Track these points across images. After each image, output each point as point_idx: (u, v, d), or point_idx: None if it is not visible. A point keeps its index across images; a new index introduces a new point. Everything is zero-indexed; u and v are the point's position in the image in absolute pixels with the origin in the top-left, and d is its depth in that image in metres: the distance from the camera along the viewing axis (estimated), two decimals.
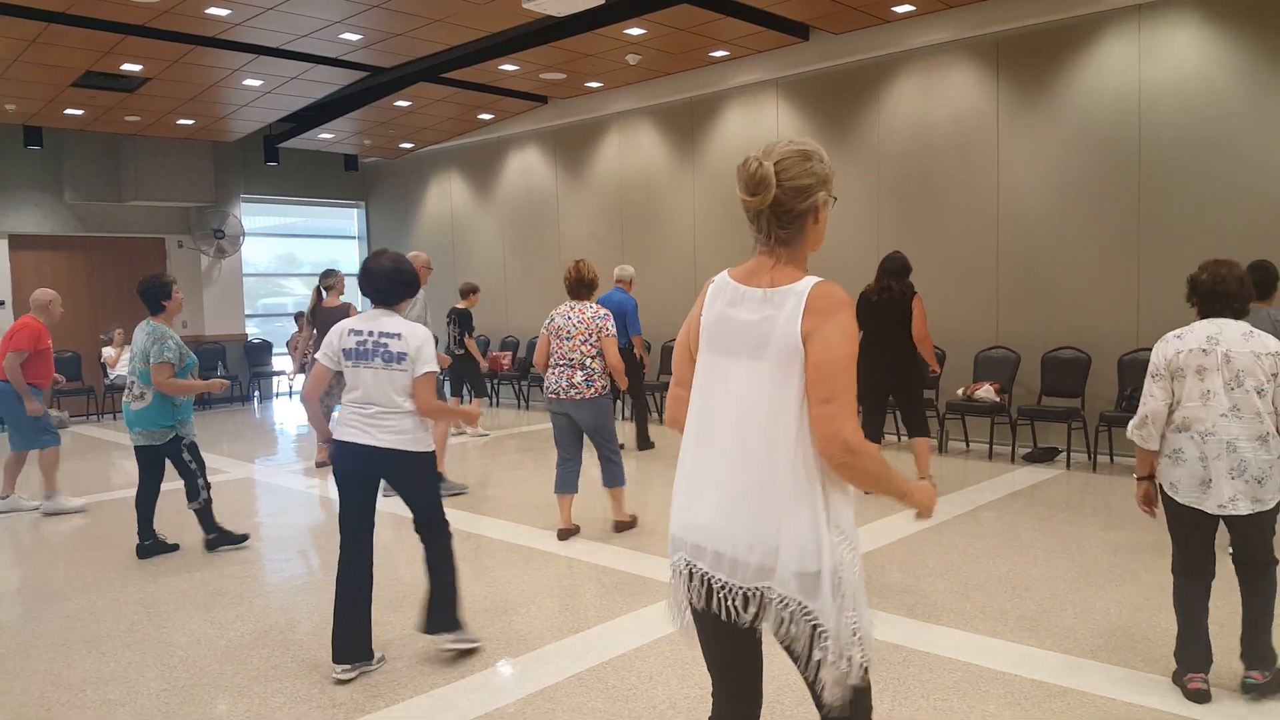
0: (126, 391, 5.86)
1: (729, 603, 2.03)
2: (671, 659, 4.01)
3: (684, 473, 2.14)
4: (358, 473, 3.94)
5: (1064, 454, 8.14)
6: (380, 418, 3.86)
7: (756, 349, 2.04)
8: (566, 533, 5.99)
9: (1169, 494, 3.51)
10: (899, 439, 8.97)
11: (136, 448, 5.87)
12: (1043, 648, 4.05)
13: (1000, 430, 8.52)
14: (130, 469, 8.74)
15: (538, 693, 3.72)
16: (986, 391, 8.26)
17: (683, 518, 2.12)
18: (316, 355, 3.98)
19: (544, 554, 5.70)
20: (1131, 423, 3.59)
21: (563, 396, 5.82)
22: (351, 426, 3.89)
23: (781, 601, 1.98)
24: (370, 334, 3.91)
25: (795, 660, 2.05)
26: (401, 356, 3.87)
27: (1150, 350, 3.61)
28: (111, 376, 12.63)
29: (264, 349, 14.87)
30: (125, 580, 5.37)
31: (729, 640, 2.13)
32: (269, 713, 3.60)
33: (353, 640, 3.93)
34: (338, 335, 3.96)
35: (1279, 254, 7.18)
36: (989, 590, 4.84)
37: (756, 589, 2.00)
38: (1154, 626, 4.21)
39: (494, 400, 13.32)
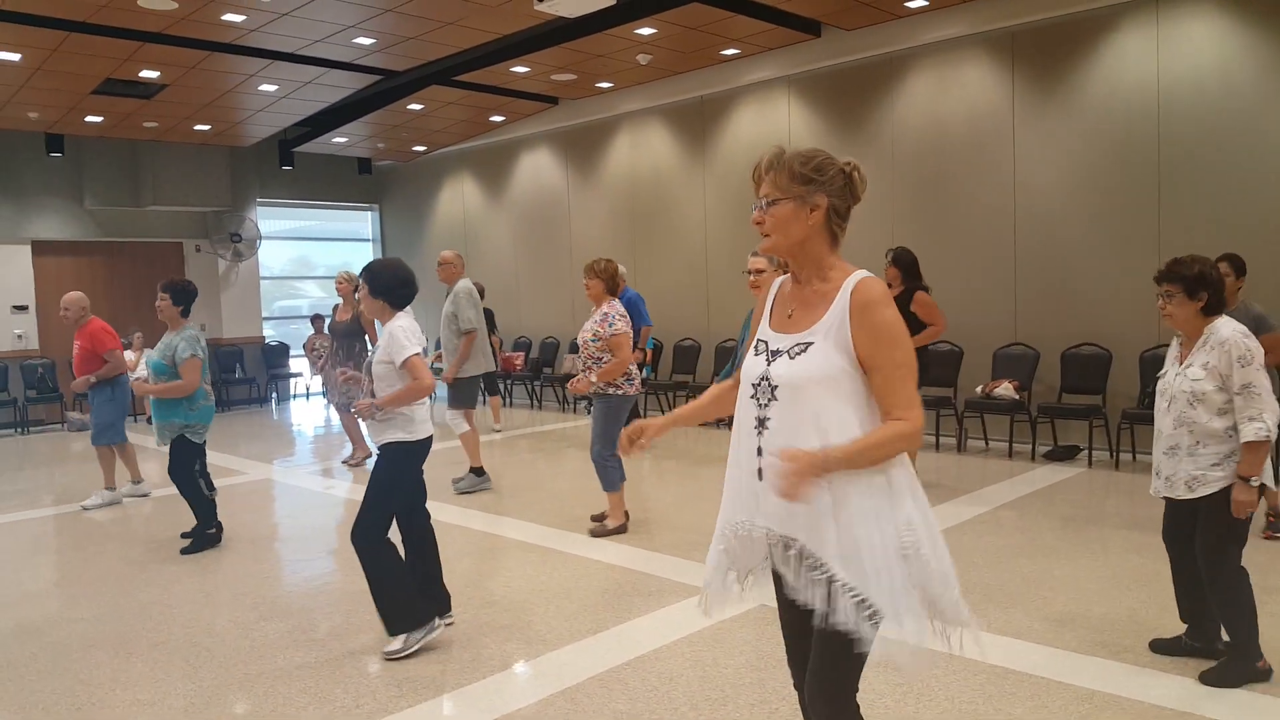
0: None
1: None
2: (692, 659, 4.00)
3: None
4: None
5: (1085, 452, 8.08)
6: None
7: None
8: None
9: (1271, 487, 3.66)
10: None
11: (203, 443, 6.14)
12: (1069, 649, 4.01)
13: (1020, 428, 8.46)
14: (152, 470, 8.80)
15: (559, 693, 3.72)
16: (1005, 389, 8.21)
17: None
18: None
19: (560, 554, 5.69)
20: (1273, 422, 3.44)
21: (633, 392, 6.08)
22: (426, 423, 4.33)
23: None
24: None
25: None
26: None
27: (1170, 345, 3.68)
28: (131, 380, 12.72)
29: (281, 351, 14.96)
30: (149, 581, 5.40)
31: None
32: (294, 712, 3.61)
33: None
34: (416, 339, 4.24)
35: None
36: (1012, 591, 4.81)
37: None
38: (1181, 627, 4.17)
39: (508, 400, 13.35)
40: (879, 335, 2.08)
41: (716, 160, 11.05)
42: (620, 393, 5.95)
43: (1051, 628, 4.27)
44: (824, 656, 2.16)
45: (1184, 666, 3.75)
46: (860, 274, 2.16)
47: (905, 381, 2.08)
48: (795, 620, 2.27)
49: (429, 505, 4.54)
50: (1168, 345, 3.83)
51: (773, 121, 10.44)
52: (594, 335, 5.84)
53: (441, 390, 7.27)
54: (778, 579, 2.28)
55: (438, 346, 8.07)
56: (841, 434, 2.08)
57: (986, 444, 8.85)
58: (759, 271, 4.66)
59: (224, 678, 3.99)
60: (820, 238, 2.20)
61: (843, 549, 2.09)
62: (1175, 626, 4.07)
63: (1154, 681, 3.66)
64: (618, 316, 5.88)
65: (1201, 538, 3.62)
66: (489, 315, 11.04)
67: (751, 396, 2.21)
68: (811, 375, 2.10)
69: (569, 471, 8.31)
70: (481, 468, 7.57)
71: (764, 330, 2.28)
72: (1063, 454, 8.14)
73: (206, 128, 12.38)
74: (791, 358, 2.15)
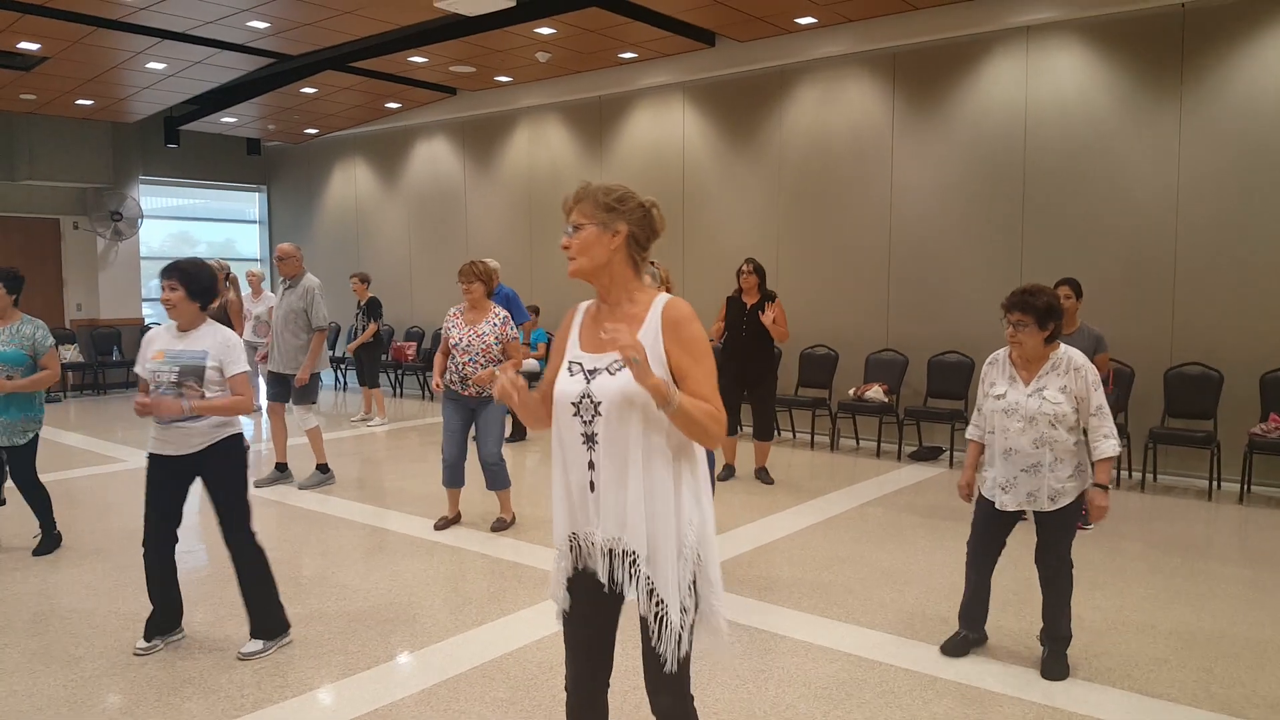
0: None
1: None
2: None
3: None
4: None
5: (948, 453, 8.62)
6: None
7: None
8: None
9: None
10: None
11: None
12: (917, 639, 4.36)
13: (888, 429, 8.95)
14: None
15: (442, 683, 3.88)
16: (876, 392, 8.67)
17: None
18: None
19: (446, 548, 5.84)
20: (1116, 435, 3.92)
21: None
22: None
23: None
24: None
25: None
26: None
27: None
28: None
29: (148, 332, 14.52)
30: (25, 571, 5.35)
31: None
32: (179, 702, 3.69)
33: None
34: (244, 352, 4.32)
35: (1148, 262, 7.80)
36: (872, 583, 5.17)
37: None
38: (1021, 619, 4.58)
39: (399, 391, 13.32)
40: (691, 349, 2.32)
41: (614, 159, 11.25)
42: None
43: (904, 618, 4.63)
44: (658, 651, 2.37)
45: (1023, 657, 4.14)
46: (666, 296, 2.41)
47: (713, 384, 2.33)
48: (595, 620, 2.50)
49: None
50: None
51: (668, 125, 10.70)
52: (497, 339, 5.98)
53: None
54: (575, 583, 2.50)
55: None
56: (668, 438, 2.31)
57: (857, 443, 9.31)
58: None
59: (105, 667, 4.02)
60: (622, 262, 2.41)
61: (650, 547, 2.32)
62: (1014, 617, 4.48)
63: (991, 668, 4.04)
64: (510, 320, 6.08)
65: (1054, 545, 3.97)
66: (376, 304, 11.02)
67: (574, 415, 2.38)
68: (635, 388, 2.27)
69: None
70: (326, 464, 7.57)
71: (574, 353, 2.44)
72: (927, 454, 8.64)
73: (89, 102, 11.98)
74: (612, 374, 2.33)
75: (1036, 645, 4.13)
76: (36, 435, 5.64)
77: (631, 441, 2.30)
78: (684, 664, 2.38)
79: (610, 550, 2.37)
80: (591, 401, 2.34)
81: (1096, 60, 8.04)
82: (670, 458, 2.33)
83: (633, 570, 2.34)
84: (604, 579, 2.39)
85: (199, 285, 4.13)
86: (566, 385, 2.40)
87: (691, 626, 2.37)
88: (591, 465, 2.36)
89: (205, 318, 4.23)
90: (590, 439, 2.35)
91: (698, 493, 2.38)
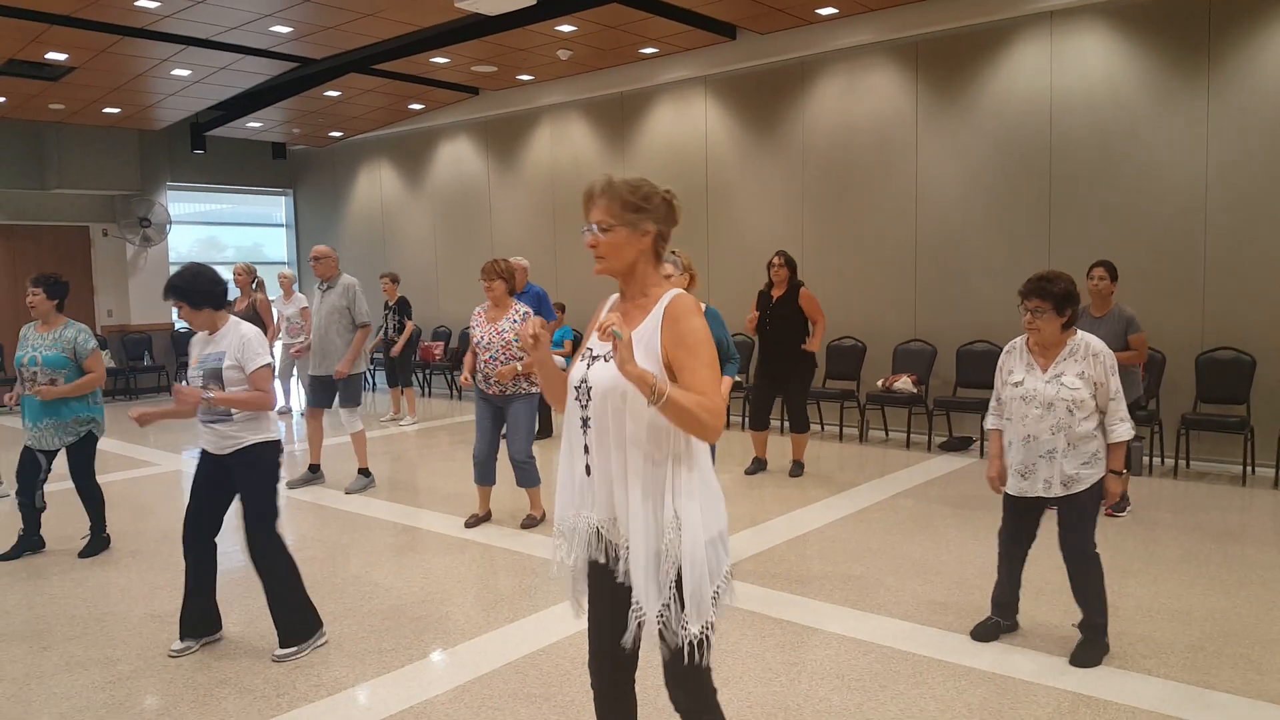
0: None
1: None
2: None
3: None
4: None
5: (978, 443, 8.54)
6: None
7: None
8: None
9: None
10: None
11: None
12: (950, 629, 4.34)
13: (918, 420, 8.90)
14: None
15: (475, 679, 3.90)
16: (905, 383, 8.62)
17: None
18: None
19: (478, 545, 5.86)
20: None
21: None
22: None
23: None
24: None
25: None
26: None
27: None
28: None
29: (190, 338, 14.68)
30: (63, 575, 5.41)
31: None
32: (215, 703, 3.73)
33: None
34: (267, 348, 4.38)
35: (1177, 247, 7.70)
36: (904, 575, 5.14)
37: None
38: (1056, 609, 4.54)
39: (427, 391, 13.39)
40: (685, 341, 2.26)
41: (636, 156, 11.24)
42: (540, 390, 6.13)
43: (935, 609, 4.60)
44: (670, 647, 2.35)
45: (1055, 645, 4.10)
46: (675, 291, 2.38)
47: (710, 377, 2.25)
48: (604, 605, 2.49)
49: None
50: None
51: (690, 119, 10.68)
52: (516, 336, 5.98)
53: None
54: (591, 576, 2.48)
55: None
56: (651, 429, 2.26)
57: (887, 435, 9.26)
58: (666, 277, 4.84)
59: (142, 669, 4.07)
60: (648, 260, 2.42)
61: (630, 539, 2.31)
62: (1046, 606, 4.43)
63: (1025, 658, 4.00)
64: (530, 316, 6.07)
65: (1074, 531, 3.95)
66: (406, 304, 11.15)
67: (575, 399, 2.40)
68: (620, 376, 2.23)
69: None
70: (368, 468, 7.50)
71: (592, 340, 2.46)
72: (957, 445, 8.58)
73: (116, 111, 12.12)
74: (606, 361, 2.33)
75: (1071, 635, 4.09)
76: (92, 435, 5.73)
77: (613, 429, 2.30)
78: (693, 659, 2.32)
79: (601, 534, 2.38)
80: (587, 386, 2.36)
81: (1122, 44, 7.93)
82: (654, 452, 2.28)
83: (619, 555, 2.35)
84: (602, 560, 2.40)
85: (199, 294, 4.17)
86: (575, 370, 2.43)
87: (685, 624, 2.29)
88: (586, 449, 2.37)
89: (226, 317, 4.29)
90: (586, 423, 2.37)
91: (691, 493, 2.29)
